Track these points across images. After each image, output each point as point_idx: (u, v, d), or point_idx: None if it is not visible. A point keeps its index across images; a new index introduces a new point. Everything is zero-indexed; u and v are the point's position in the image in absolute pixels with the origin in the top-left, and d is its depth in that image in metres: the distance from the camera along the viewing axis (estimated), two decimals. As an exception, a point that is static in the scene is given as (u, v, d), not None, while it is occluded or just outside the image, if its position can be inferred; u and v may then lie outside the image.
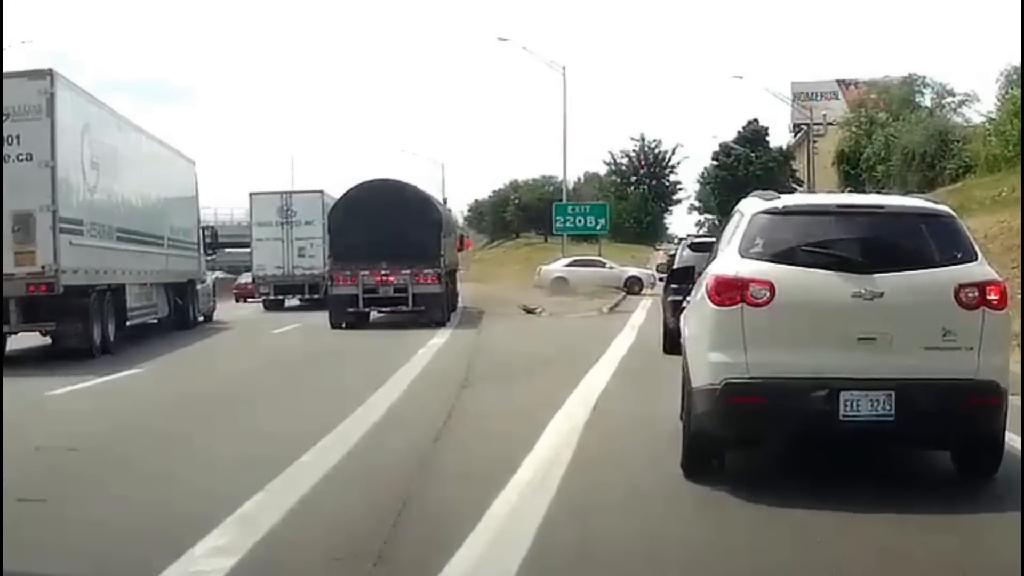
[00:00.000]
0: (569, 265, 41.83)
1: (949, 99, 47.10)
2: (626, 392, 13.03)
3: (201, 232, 27.64)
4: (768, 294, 6.88)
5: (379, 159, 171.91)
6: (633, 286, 39.79)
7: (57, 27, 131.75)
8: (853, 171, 48.04)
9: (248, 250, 36.93)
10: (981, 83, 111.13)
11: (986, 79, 63.23)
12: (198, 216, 27.69)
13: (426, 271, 24.41)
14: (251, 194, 35.85)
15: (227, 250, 71.30)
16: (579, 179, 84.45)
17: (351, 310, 24.51)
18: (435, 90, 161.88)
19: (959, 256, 7.05)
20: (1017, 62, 35.41)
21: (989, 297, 6.87)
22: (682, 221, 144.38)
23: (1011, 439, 7.73)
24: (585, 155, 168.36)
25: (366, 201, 24.74)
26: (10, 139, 15.67)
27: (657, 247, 79.09)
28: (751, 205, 7.64)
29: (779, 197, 7.73)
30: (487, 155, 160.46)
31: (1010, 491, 6.88)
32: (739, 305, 6.92)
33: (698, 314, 7.64)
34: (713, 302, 7.08)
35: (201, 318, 27.42)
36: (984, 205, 26.28)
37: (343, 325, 24.41)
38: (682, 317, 9.70)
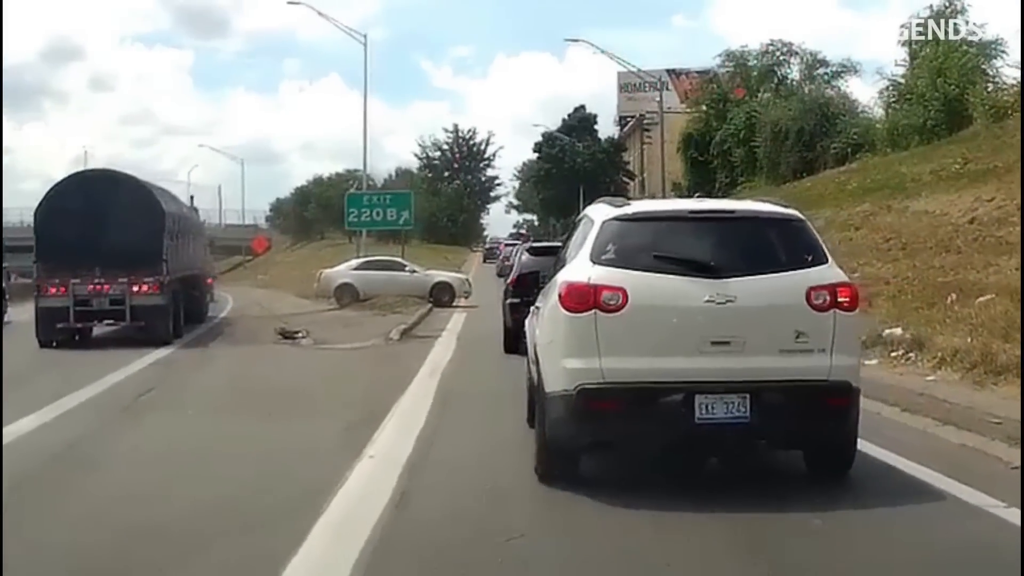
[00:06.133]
0: (359, 268, 33.57)
1: (822, 70, 40.89)
2: None
3: None
4: (621, 300, 6.97)
5: (175, 155, 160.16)
6: (441, 295, 31.53)
7: None
8: (702, 158, 41.43)
9: None
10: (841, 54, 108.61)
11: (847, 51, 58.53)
12: None
13: (145, 279, 21.02)
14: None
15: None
16: (391, 175, 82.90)
17: (61, 325, 21.12)
18: (242, 74, 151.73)
19: (809, 259, 7.22)
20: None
21: (840, 299, 7.07)
22: (500, 220, 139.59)
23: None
24: (398, 154, 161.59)
25: (76, 197, 21.27)
26: None
27: (474, 248, 74.32)
28: (601, 211, 7.72)
29: (629, 203, 7.84)
30: (294, 151, 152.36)
31: (865, 491, 7.05)
32: (592, 311, 7.00)
33: (551, 320, 7.61)
34: (566, 308, 7.14)
35: None
36: (929, 184, 19.97)
37: (54, 343, 21.05)
38: (527, 323, 9.64)
